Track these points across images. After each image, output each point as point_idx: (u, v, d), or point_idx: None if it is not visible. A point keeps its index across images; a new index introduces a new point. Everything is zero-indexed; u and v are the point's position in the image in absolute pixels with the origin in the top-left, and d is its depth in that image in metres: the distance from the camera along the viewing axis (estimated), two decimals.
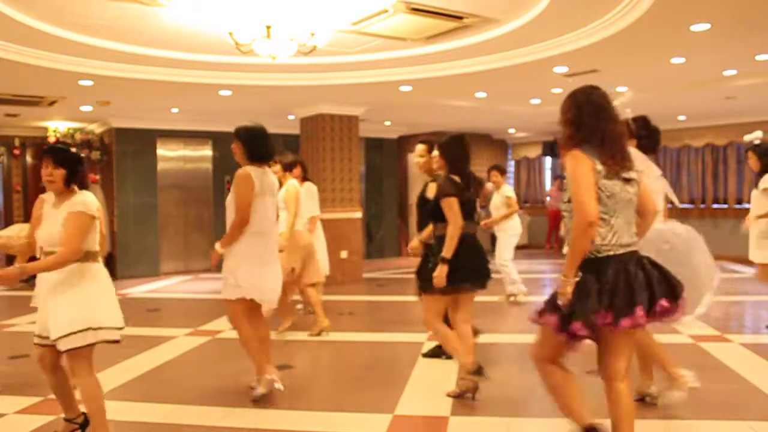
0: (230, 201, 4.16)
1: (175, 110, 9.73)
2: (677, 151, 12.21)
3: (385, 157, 13.09)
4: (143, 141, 10.75)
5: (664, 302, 2.63)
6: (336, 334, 6.05)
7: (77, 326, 3.14)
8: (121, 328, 3.30)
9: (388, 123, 11.87)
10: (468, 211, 4.01)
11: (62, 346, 3.15)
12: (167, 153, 11.21)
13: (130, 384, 4.53)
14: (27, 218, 10.44)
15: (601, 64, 6.74)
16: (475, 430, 3.63)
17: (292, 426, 3.69)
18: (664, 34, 5.59)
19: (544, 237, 13.72)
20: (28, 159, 11.34)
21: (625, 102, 3.87)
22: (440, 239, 3.93)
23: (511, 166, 14.83)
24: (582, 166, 2.64)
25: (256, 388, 4.14)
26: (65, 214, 3.21)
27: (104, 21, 5.34)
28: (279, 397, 4.22)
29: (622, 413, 2.73)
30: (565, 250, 2.94)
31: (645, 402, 3.87)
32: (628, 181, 2.73)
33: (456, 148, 4.10)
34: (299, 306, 6.94)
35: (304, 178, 6.72)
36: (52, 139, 10.62)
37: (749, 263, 6.54)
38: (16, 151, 11.27)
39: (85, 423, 3.47)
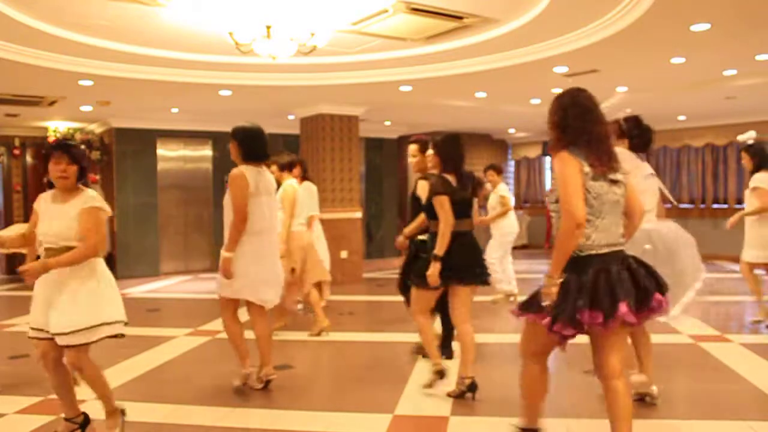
0: (227, 201, 4.22)
1: (175, 110, 9.73)
2: (677, 151, 12.22)
3: (385, 157, 13.09)
4: (143, 141, 10.75)
5: (659, 296, 2.66)
6: (336, 334, 6.05)
7: (93, 321, 3.23)
8: (127, 323, 3.42)
9: (388, 123, 11.87)
10: (462, 210, 4.04)
11: (76, 339, 3.20)
12: (167, 153, 11.21)
13: (130, 384, 4.52)
14: (27, 218, 10.44)
15: (601, 64, 6.74)
16: (475, 430, 3.63)
17: (292, 426, 3.68)
18: (664, 34, 5.59)
19: (544, 237, 13.72)
20: (28, 159, 11.34)
21: (616, 103, 3.88)
22: (434, 236, 3.98)
23: (511, 166, 14.83)
24: (570, 167, 2.66)
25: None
26: (79, 210, 3.27)
27: (104, 21, 5.34)
28: (279, 397, 4.23)
29: (619, 411, 2.74)
30: None
31: (645, 402, 3.86)
32: (614, 182, 2.76)
33: (450, 147, 4.11)
34: (299, 306, 6.94)
35: (304, 178, 6.71)
36: (52, 139, 10.62)
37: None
38: (16, 151, 11.27)
39: (85, 423, 3.48)
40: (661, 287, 2.75)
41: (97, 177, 10.95)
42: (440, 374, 4.16)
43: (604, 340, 2.75)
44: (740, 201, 11.26)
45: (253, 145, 4.24)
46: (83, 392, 3.98)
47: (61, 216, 3.27)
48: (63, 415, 3.47)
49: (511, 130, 13.35)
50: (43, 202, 3.42)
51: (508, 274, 7.70)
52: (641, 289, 2.66)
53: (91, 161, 10.37)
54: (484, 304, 7.30)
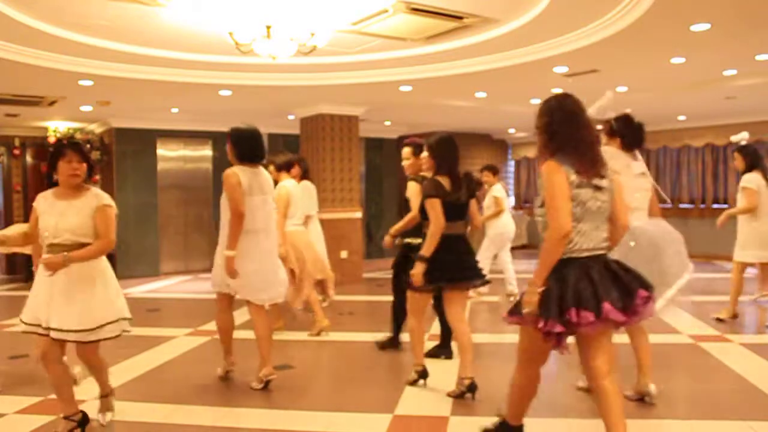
0: (223, 201, 4.31)
1: (175, 110, 9.73)
2: (677, 151, 12.21)
3: (385, 157, 13.10)
4: (143, 141, 10.75)
5: (643, 292, 2.71)
6: (336, 334, 6.05)
7: (110, 317, 3.40)
8: (131, 319, 3.59)
9: (388, 123, 11.87)
10: (455, 212, 4.06)
11: (94, 336, 3.35)
12: (167, 153, 11.20)
13: (130, 384, 4.52)
14: (27, 218, 10.43)
15: (601, 64, 6.74)
16: (475, 430, 3.63)
17: (292, 426, 3.68)
18: (664, 34, 5.59)
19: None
20: (28, 159, 11.34)
21: (605, 105, 3.93)
22: (422, 238, 4.04)
23: (511, 166, 14.83)
24: (557, 176, 2.70)
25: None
26: (94, 208, 3.40)
27: (104, 21, 5.34)
28: (279, 397, 4.24)
29: (610, 411, 2.74)
30: None
31: (644, 402, 3.87)
32: (599, 188, 2.79)
33: (444, 149, 4.12)
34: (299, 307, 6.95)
35: (304, 177, 6.72)
36: (52, 139, 10.62)
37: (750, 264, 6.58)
38: (16, 151, 11.27)
39: (84, 421, 3.51)
40: (646, 286, 2.78)
41: (97, 177, 10.95)
42: (421, 375, 4.28)
43: (590, 341, 2.77)
44: None
45: (247, 146, 4.34)
46: (84, 392, 3.99)
47: (73, 213, 3.37)
48: (62, 415, 3.48)
49: (511, 130, 13.35)
50: (44, 200, 3.48)
51: (509, 275, 7.72)
52: (624, 288, 2.70)
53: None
54: (485, 305, 7.31)
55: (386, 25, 5.54)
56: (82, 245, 3.35)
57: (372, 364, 5.12)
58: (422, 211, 4.09)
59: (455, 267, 4.04)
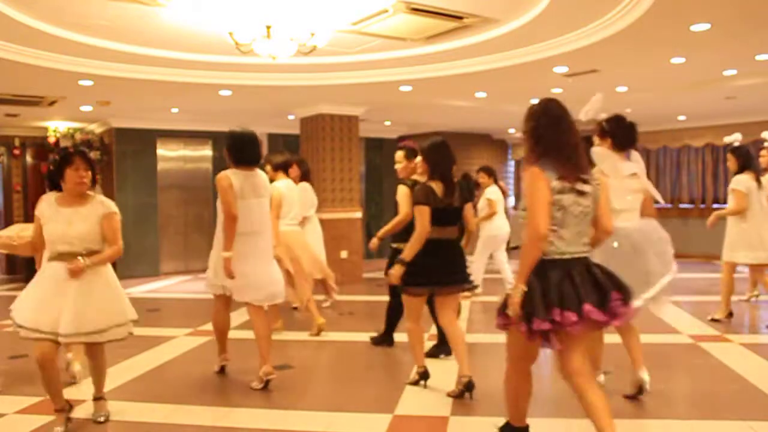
0: (219, 203, 4.39)
1: (175, 110, 9.73)
2: (677, 151, 12.21)
3: (385, 157, 13.08)
4: (143, 141, 10.74)
5: (615, 295, 2.76)
6: (336, 334, 6.05)
7: (121, 318, 3.57)
8: (137, 320, 3.75)
9: (388, 123, 11.87)
10: (448, 217, 4.08)
11: (108, 336, 3.51)
12: (167, 153, 11.20)
13: (130, 384, 4.52)
14: (27, 218, 10.44)
15: (601, 64, 6.74)
16: (475, 430, 3.63)
17: (292, 426, 3.69)
18: (664, 34, 5.59)
19: None
20: (28, 159, 11.34)
21: (596, 107, 3.96)
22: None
23: (510, 166, 14.83)
24: (539, 182, 2.77)
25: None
26: (102, 215, 3.54)
27: (104, 21, 5.34)
28: (279, 397, 4.24)
29: (592, 406, 2.79)
30: None
31: (641, 393, 3.91)
32: (581, 193, 2.85)
33: (438, 154, 4.13)
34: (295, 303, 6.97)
35: (304, 179, 6.72)
36: (52, 139, 10.62)
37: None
38: (16, 151, 11.27)
39: (70, 408, 3.63)
40: (621, 288, 2.84)
41: (98, 177, 10.93)
42: (422, 376, 4.31)
43: (570, 340, 2.82)
44: None
45: (241, 149, 4.41)
46: (83, 392, 3.99)
47: (80, 220, 3.47)
48: (60, 414, 3.55)
49: (511, 130, 13.35)
50: (48, 206, 3.52)
51: (506, 275, 7.73)
52: (602, 290, 2.77)
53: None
54: (484, 305, 7.30)
55: (386, 25, 5.54)
56: (91, 252, 3.48)
57: (372, 364, 5.12)
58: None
59: (443, 271, 4.08)
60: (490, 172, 7.76)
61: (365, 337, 5.73)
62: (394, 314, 5.41)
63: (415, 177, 4.63)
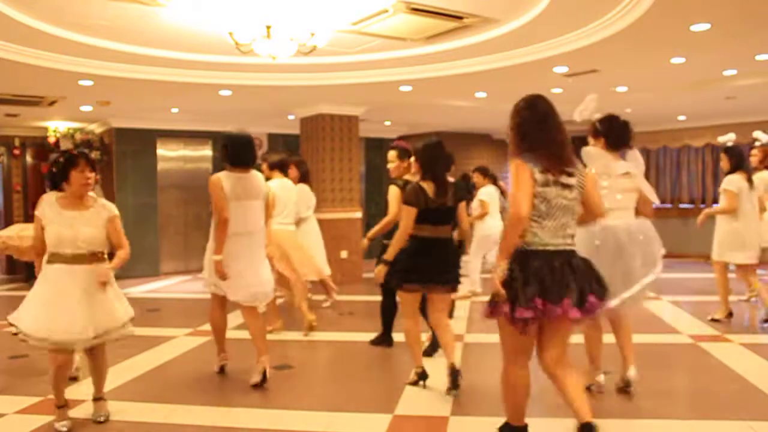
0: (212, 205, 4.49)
1: (175, 110, 9.73)
2: (677, 151, 12.21)
3: (385, 157, 13.04)
4: (143, 141, 10.74)
5: (592, 298, 2.84)
6: (336, 334, 6.06)
7: (125, 317, 3.65)
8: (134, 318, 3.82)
9: (388, 123, 11.86)
10: (440, 217, 4.11)
11: (117, 335, 3.60)
12: (167, 153, 11.20)
13: (130, 384, 4.52)
14: (27, 218, 10.43)
15: (601, 64, 6.74)
16: (475, 430, 3.63)
17: (292, 426, 3.68)
18: (664, 34, 5.59)
19: None
20: (28, 159, 11.34)
21: (589, 107, 3.98)
22: (412, 240, 4.12)
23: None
24: (522, 172, 2.85)
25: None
26: (107, 218, 3.62)
27: (104, 21, 5.34)
28: (279, 397, 4.24)
29: (569, 395, 2.91)
30: None
31: (628, 388, 4.00)
32: (566, 186, 2.91)
33: (430, 154, 4.15)
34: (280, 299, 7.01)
35: (302, 180, 6.73)
36: (52, 139, 10.61)
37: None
38: (16, 151, 11.26)
39: (67, 405, 3.70)
40: (599, 286, 2.92)
41: (98, 177, 10.94)
42: (421, 376, 4.33)
43: (551, 333, 2.92)
44: None
45: (235, 151, 4.47)
46: (83, 392, 4.00)
47: (84, 223, 3.52)
48: (56, 405, 3.62)
49: None
50: (49, 207, 3.52)
51: None
52: (580, 286, 2.84)
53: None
54: (483, 305, 7.29)
55: (386, 25, 5.54)
56: (95, 253, 3.55)
57: (372, 364, 5.12)
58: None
59: (436, 270, 4.11)
60: (485, 173, 7.81)
61: (365, 337, 5.73)
62: (389, 314, 5.45)
63: (407, 177, 4.67)
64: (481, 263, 7.81)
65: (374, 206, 12.87)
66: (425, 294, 4.32)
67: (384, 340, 5.51)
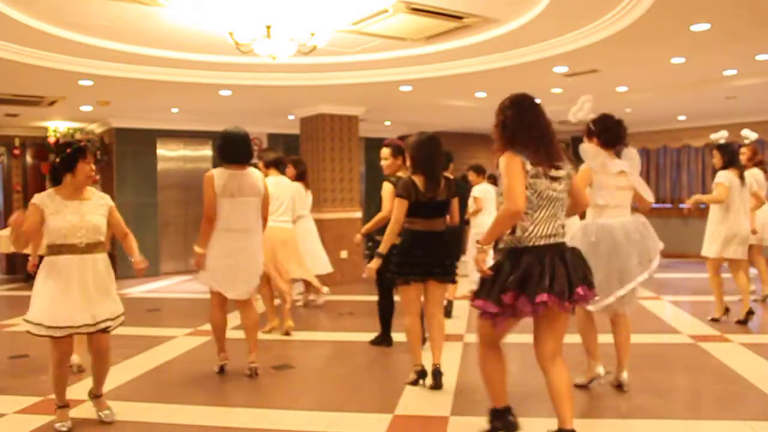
0: None
1: (175, 110, 9.73)
2: (677, 151, 12.21)
3: None
4: (143, 141, 10.74)
5: (580, 290, 2.89)
6: (336, 334, 6.06)
7: (120, 310, 3.68)
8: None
9: (388, 123, 11.87)
10: (432, 211, 4.18)
11: (117, 323, 3.65)
12: (167, 153, 11.20)
13: (130, 384, 4.52)
14: None
15: (601, 64, 6.74)
16: (475, 430, 3.63)
17: (292, 426, 3.68)
18: (664, 34, 5.59)
19: None
20: (28, 159, 11.34)
21: (583, 108, 4.03)
22: (406, 233, 4.20)
23: None
24: (514, 163, 2.90)
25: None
26: (109, 208, 3.71)
27: (104, 21, 5.34)
28: (279, 397, 4.24)
29: (554, 389, 2.97)
30: None
31: (622, 389, 4.05)
32: (555, 179, 2.98)
33: (421, 150, 4.19)
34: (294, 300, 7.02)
35: (299, 179, 6.73)
36: (52, 139, 10.61)
37: (750, 263, 6.60)
38: (16, 151, 11.27)
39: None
40: (588, 281, 2.98)
41: (97, 177, 10.95)
42: (420, 375, 4.35)
43: (546, 328, 3.00)
44: None
45: (228, 148, 4.57)
46: (82, 393, 4.00)
47: (88, 212, 3.57)
48: (57, 405, 3.63)
49: None
50: (50, 200, 3.52)
51: None
52: (570, 279, 2.89)
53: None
54: None
55: (386, 25, 5.54)
56: (98, 242, 3.60)
57: (372, 364, 5.12)
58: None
59: (427, 263, 4.16)
60: (479, 171, 7.85)
61: (365, 337, 5.73)
62: (386, 313, 5.48)
63: (400, 174, 4.71)
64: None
65: (374, 206, 12.74)
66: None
67: (383, 340, 5.51)
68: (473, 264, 3.23)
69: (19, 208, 11.37)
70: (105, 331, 3.59)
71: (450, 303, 6.48)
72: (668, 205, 12.12)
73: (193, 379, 4.68)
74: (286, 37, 5.04)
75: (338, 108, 9.45)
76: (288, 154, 8.51)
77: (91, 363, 3.75)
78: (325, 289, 7.39)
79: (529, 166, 2.90)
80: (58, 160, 3.57)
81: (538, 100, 3.19)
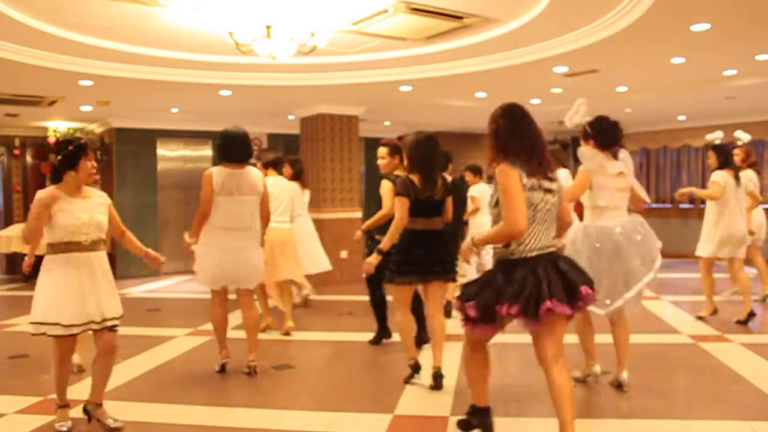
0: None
1: (175, 110, 9.73)
2: (677, 151, 12.21)
3: None
4: (143, 141, 10.74)
5: (583, 289, 2.91)
6: (336, 334, 6.06)
7: (120, 310, 3.67)
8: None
9: (388, 123, 11.86)
10: (430, 209, 4.20)
11: (119, 321, 3.63)
12: (167, 153, 11.20)
13: (130, 384, 4.52)
14: (27, 218, 10.43)
15: (601, 64, 6.74)
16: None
17: (292, 426, 3.68)
18: (664, 34, 5.59)
19: None
20: (28, 159, 11.33)
21: (580, 112, 4.05)
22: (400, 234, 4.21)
23: None
24: (511, 178, 2.90)
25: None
26: (108, 206, 3.71)
27: (104, 21, 5.34)
28: (279, 397, 4.24)
29: (555, 393, 2.97)
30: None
31: (622, 389, 4.05)
32: (548, 191, 3.01)
33: (418, 149, 4.22)
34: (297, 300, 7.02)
35: (295, 179, 6.74)
36: (52, 139, 10.61)
37: (748, 263, 6.61)
38: (16, 151, 11.26)
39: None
40: (588, 280, 3.00)
41: (97, 177, 10.95)
42: (414, 369, 4.36)
43: (546, 332, 2.98)
44: None
45: (227, 147, 4.62)
46: (83, 392, 4.00)
47: (95, 210, 3.60)
48: (58, 405, 3.62)
49: None
50: (56, 197, 3.49)
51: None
52: (568, 283, 2.91)
53: None
54: None
55: (386, 25, 5.53)
56: (103, 240, 3.64)
57: (371, 363, 5.12)
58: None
59: (426, 262, 4.17)
60: (476, 171, 7.87)
61: (365, 336, 5.74)
62: (380, 308, 5.54)
63: (397, 172, 4.73)
64: (476, 263, 7.82)
65: (374, 206, 12.78)
66: (417, 291, 4.36)
67: (382, 335, 5.56)
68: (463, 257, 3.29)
69: (20, 209, 11.39)
70: (112, 329, 3.59)
71: (449, 303, 6.48)
72: (668, 205, 12.11)
73: (193, 379, 4.68)
74: (286, 37, 5.04)
75: (338, 108, 9.45)
76: (288, 154, 8.49)
77: (94, 364, 3.65)
78: (307, 289, 7.34)
79: (525, 179, 2.91)
80: (59, 157, 3.54)
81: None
